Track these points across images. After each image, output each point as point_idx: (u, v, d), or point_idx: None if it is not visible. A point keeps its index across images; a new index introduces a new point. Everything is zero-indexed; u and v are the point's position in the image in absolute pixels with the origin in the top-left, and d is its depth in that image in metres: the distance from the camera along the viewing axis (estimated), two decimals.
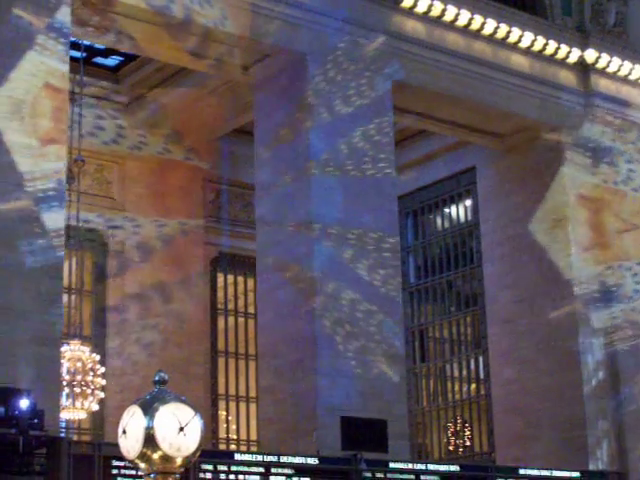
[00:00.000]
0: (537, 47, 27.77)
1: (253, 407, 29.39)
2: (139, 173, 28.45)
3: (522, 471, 24.22)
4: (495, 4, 27.32)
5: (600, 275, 27.78)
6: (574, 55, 28.53)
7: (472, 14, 26.48)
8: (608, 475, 25.94)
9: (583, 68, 28.81)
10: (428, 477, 22.36)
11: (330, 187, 23.35)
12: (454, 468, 23.40)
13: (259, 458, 20.44)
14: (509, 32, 27.19)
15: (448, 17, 26.11)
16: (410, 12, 25.57)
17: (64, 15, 20.17)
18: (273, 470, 20.35)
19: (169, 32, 22.88)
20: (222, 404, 29.66)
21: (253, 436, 29.32)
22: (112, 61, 28.08)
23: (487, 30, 26.84)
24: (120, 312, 27.51)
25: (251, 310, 29.89)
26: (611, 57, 29.07)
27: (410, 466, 22.32)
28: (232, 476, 20.01)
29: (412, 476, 22.11)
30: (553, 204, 27.90)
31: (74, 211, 22.53)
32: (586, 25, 29.06)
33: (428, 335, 32.47)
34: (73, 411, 21.35)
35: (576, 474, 25.06)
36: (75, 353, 21.37)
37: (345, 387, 22.37)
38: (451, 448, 31.78)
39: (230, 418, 30.13)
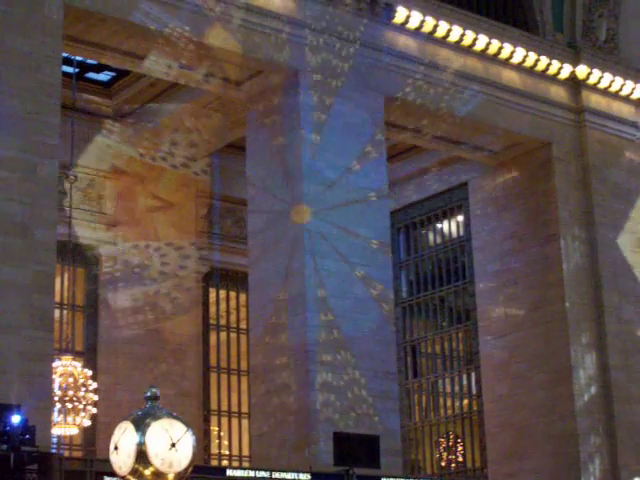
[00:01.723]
0: (529, 63, 27.86)
1: (245, 423, 29.34)
2: (131, 188, 28.42)
3: None
4: (487, 20, 27.42)
5: None
6: (565, 71, 28.63)
7: (464, 30, 26.56)
8: None
9: (574, 84, 28.91)
10: None
11: (322, 202, 23.36)
12: None
13: (251, 474, 20.40)
14: (501, 48, 27.28)
15: (440, 33, 26.19)
16: (402, 28, 25.64)
17: None
18: None
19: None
20: (214, 420, 29.60)
21: (245, 452, 29.27)
22: (105, 76, 28.08)
23: (479, 46, 26.92)
24: (112, 327, 27.46)
25: (243, 325, 29.86)
26: (602, 73, 29.18)
27: None
28: None
29: None
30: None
31: (66, 226, 22.51)
32: (578, 41, 29.18)
33: (420, 350, 32.44)
34: (65, 427, 21.30)
35: None
36: (67, 368, 21.32)
37: (337, 403, 22.34)
38: (443, 464, 31.73)
39: (222, 434, 30.07)
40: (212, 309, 30.17)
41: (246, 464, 28.50)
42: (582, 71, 28.82)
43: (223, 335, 30.27)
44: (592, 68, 28.97)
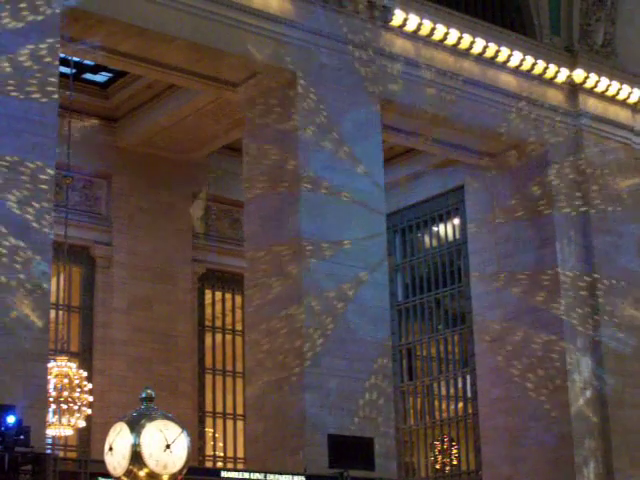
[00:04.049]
0: (526, 66, 27.88)
1: (240, 424, 29.31)
2: (127, 189, 28.40)
3: None
4: (484, 23, 27.43)
5: None
6: (562, 75, 28.64)
7: (461, 33, 26.58)
8: None
9: (571, 88, 28.93)
10: None
11: (319, 205, 23.35)
12: None
13: (246, 476, 20.38)
14: (498, 51, 27.30)
15: (437, 36, 26.20)
16: (399, 30, 25.65)
17: None
18: None
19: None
20: (209, 421, 29.57)
21: (240, 454, 29.24)
22: (101, 77, 28.06)
23: (476, 49, 26.94)
24: (107, 328, 27.43)
25: (239, 327, 29.86)
26: (599, 77, 29.20)
27: None
28: None
29: None
30: None
31: (62, 227, 22.48)
32: (574, 45, 29.19)
33: (416, 353, 32.44)
34: (59, 427, 21.25)
35: None
36: (62, 369, 21.28)
37: (332, 405, 22.33)
38: (438, 467, 31.73)
39: (217, 435, 30.04)
40: (207, 310, 30.15)
41: (240, 466, 28.46)
42: (579, 75, 28.84)
43: (218, 337, 30.26)
44: (589, 72, 28.99)
